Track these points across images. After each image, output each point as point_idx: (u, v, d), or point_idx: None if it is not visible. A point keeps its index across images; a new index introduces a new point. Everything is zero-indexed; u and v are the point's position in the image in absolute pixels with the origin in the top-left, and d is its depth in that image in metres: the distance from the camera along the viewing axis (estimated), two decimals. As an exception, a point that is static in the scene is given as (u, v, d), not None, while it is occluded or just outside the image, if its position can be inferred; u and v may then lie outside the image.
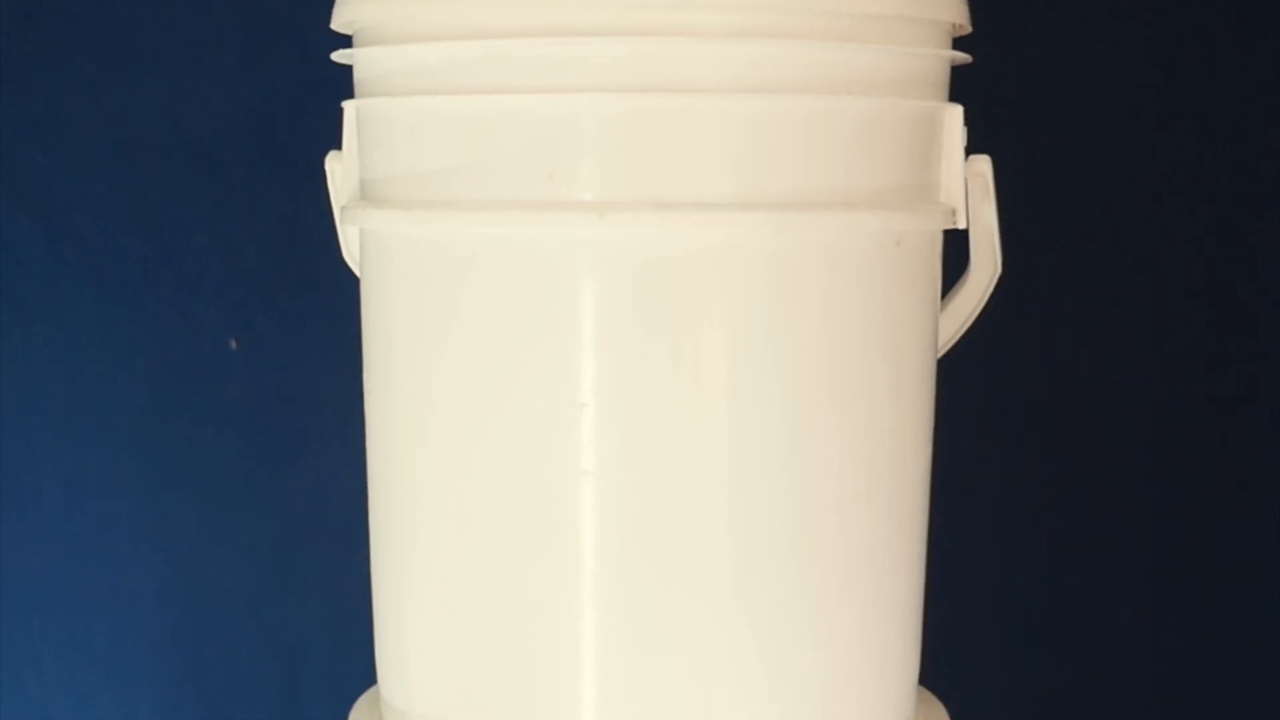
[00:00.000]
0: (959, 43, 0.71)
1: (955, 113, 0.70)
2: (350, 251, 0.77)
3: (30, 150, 1.03)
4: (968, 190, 0.70)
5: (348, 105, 0.72)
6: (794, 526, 0.65)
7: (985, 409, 1.03)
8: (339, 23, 0.71)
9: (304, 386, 1.06)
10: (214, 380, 1.06)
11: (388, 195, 0.69)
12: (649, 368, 0.64)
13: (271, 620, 1.07)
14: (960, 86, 0.72)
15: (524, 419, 0.65)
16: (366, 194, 0.71)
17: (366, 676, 0.78)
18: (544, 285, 0.64)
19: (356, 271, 0.76)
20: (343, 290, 1.03)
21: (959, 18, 0.69)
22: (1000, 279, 0.74)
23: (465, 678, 0.68)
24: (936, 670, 0.77)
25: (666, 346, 0.64)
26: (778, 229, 0.64)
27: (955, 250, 0.73)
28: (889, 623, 0.69)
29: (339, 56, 0.72)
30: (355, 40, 0.71)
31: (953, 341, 0.76)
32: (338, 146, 0.74)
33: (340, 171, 0.74)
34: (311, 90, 0.93)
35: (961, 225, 0.71)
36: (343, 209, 0.73)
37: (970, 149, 0.71)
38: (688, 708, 0.66)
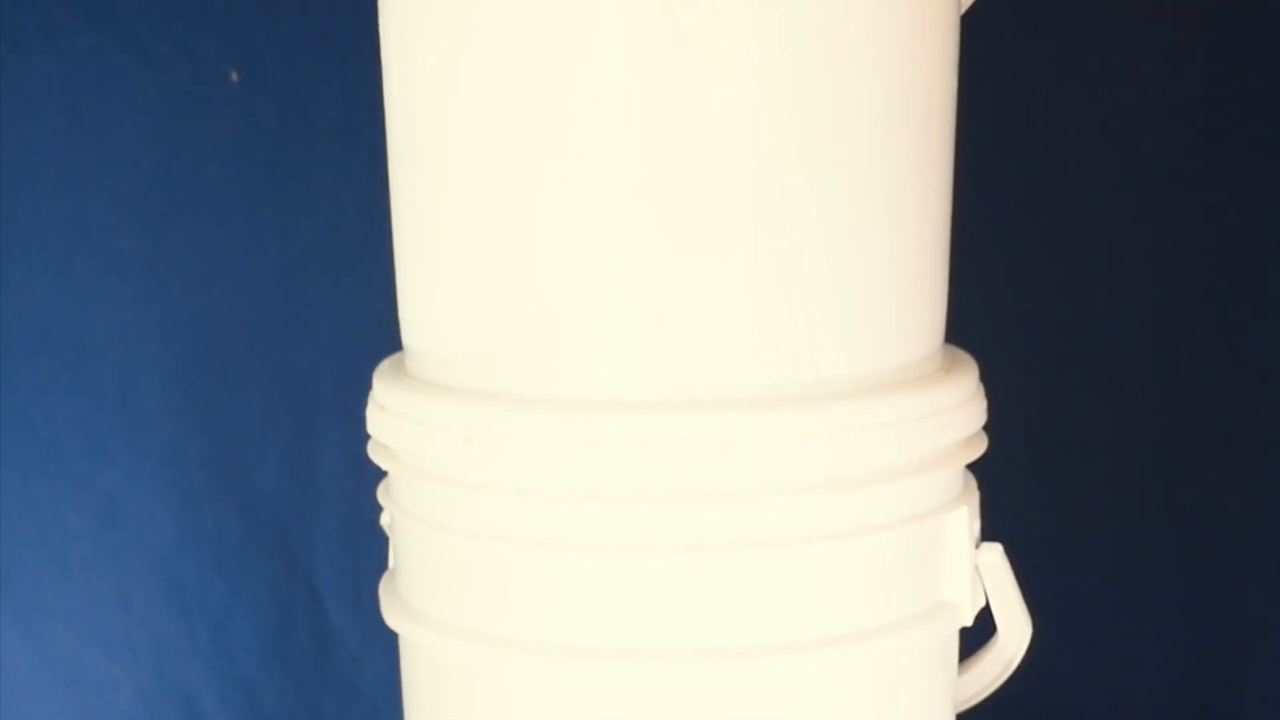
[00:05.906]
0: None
1: None
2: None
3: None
4: None
5: None
6: (818, 143, 0.64)
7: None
8: None
9: (307, 117, 1.04)
10: (215, 113, 1.04)
11: None
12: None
13: (279, 354, 1.06)
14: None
15: (546, 35, 0.64)
16: None
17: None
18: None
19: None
20: (343, 15, 1.02)
21: None
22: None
23: (488, 299, 0.67)
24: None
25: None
26: None
27: None
28: (914, 257, 0.68)
29: None
30: None
31: None
32: None
33: None
34: None
35: None
36: None
37: None
38: (706, 331, 0.65)
